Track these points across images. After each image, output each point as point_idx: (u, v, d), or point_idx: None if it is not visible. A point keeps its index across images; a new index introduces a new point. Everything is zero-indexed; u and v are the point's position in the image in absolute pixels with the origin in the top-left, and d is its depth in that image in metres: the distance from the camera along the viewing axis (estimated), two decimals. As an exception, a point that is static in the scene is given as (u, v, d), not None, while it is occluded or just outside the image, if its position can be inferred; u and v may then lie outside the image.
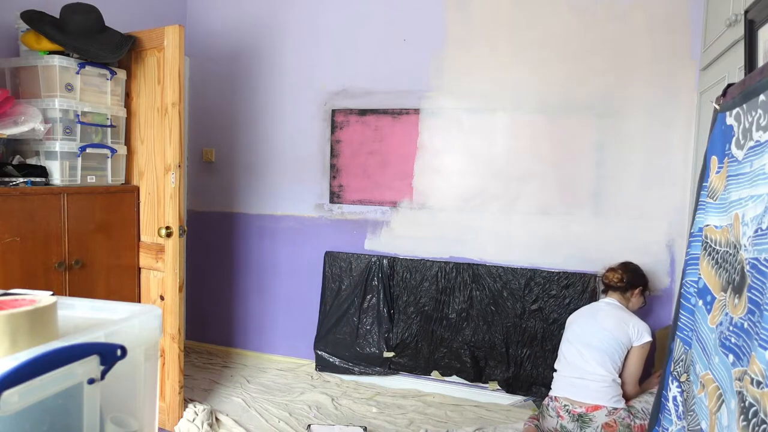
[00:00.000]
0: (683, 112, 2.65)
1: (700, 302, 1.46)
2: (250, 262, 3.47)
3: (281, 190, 3.37)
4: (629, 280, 2.32)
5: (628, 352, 2.12)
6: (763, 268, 1.05)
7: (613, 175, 2.77)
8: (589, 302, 2.77)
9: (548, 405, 2.17)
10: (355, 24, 3.14)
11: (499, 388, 2.95)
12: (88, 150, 2.30)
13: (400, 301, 3.11)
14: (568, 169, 2.83)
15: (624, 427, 1.97)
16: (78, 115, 2.25)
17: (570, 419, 1.99)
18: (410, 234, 3.12)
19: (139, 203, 2.56)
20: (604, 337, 2.11)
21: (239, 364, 3.39)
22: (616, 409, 1.99)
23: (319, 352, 3.24)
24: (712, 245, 1.43)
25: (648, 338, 2.12)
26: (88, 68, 2.27)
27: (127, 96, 2.54)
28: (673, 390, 1.62)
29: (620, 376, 2.11)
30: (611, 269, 2.39)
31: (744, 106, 1.27)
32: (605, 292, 2.43)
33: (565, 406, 2.03)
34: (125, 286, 2.52)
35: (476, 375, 2.96)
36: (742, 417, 1.03)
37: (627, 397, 2.10)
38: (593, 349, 2.10)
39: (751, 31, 1.55)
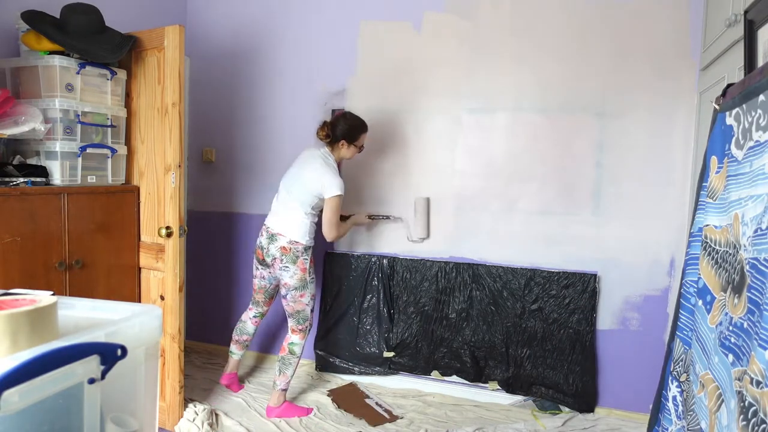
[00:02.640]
0: (683, 112, 2.65)
1: (700, 302, 1.46)
2: (250, 262, 3.46)
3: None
4: (334, 135, 2.64)
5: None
6: (763, 268, 1.05)
7: (613, 175, 2.77)
8: (590, 302, 2.79)
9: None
10: (356, 23, 3.14)
11: (499, 388, 2.95)
12: (89, 150, 2.30)
13: (400, 301, 3.11)
14: (568, 169, 2.83)
15: (294, 255, 2.57)
16: (78, 115, 2.25)
17: (267, 236, 2.64)
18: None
19: (139, 203, 2.56)
20: (299, 187, 2.60)
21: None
22: (296, 241, 2.57)
23: (319, 352, 3.24)
24: (712, 245, 1.43)
25: (335, 192, 2.53)
26: (88, 68, 2.27)
27: (128, 96, 2.54)
28: (673, 390, 1.62)
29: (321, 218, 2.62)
30: (323, 123, 2.66)
31: (744, 106, 1.27)
32: None
33: (267, 228, 2.65)
34: (125, 286, 2.52)
35: (476, 375, 2.97)
36: (741, 417, 1.03)
37: (328, 238, 2.63)
38: (291, 193, 2.62)
39: (751, 31, 1.55)
